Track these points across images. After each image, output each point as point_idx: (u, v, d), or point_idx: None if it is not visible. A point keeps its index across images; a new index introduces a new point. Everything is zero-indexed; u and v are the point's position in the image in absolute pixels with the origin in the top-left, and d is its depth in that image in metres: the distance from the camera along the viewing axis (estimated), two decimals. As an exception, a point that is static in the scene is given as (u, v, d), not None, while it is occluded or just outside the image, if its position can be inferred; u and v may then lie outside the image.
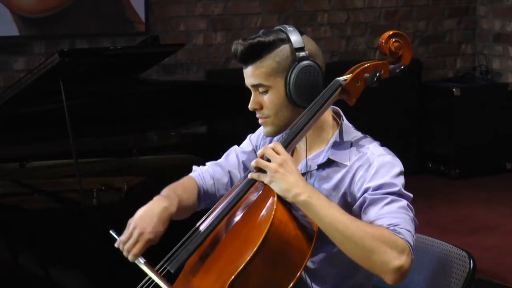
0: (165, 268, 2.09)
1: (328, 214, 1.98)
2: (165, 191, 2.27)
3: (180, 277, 2.13)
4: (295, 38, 2.14)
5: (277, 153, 2.03)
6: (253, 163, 2.05)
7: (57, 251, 3.16)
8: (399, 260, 1.94)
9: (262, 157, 2.05)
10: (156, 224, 2.15)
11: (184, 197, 2.29)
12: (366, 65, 2.15)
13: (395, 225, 1.99)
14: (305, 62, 2.13)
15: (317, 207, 1.99)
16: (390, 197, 2.04)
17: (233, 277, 1.94)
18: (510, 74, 6.67)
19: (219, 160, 2.43)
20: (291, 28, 2.16)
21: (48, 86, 3.31)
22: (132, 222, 2.16)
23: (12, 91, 3.36)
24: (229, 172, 2.39)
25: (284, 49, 2.14)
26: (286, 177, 2.00)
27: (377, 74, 2.13)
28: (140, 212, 2.18)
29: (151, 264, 2.11)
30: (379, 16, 6.53)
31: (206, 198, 2.38)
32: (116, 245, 2.17)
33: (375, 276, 2.28)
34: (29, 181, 3.57)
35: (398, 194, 2.06)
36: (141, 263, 2.11)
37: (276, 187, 2.02)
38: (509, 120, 6.45)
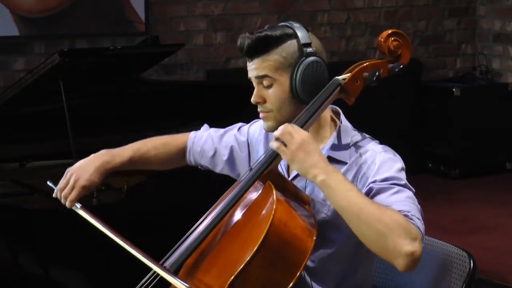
0: (164, 267, 2.09)
1: (345, 196, 1.97)
2: (124, 147, 2.46)
3: (179, 277, 2.12)
4: (302, 34, 2.14)
5: (296, 132, 2.02)
6: (276, 133, 2.02)
7: (57, 251, 3.16)
8: (412, 245, 1.92)
9: (281, 136, 2.02)
10: (93, 174, 2.33)
11: (152, 153, 2.46)
12: (365, 64, 2.14)
13: (407, 212, 1.98)
14: (312, 58, 2.13)
15: (334, 189, 1.98)
16: (397, 187, 2.04)
17: (233, 277, 1.94)
18: (510, 74, 6.67)
19: (218, 132, 2.48)
20: (298, 25, 2.16)
21: (48, 86, 3.31)
22: (70, 170, 2.34)
23: (12, 91, 3.36)
24: (215, 148, 2.45)
25: (291, 44, 2.14)
26: (306, 156, 1.99)
27: (376, 73, 2.12)
28: (79, 163, 2.36)
29: (88, 210, 2.27)
30: (379, 16, 6.53)
31: (191, 159, 2.50)
32: (54, 194, 2.32)
33: (373, 275, 2.29)
34: (29, 181, 3.57)
35: (404, 186, 2.06)
36: (78, 208, 2.28)
37: (296, 166, 2.01)
38: (509, 120, 6.45)
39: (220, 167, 2.45)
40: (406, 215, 1.97)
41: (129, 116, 3.88)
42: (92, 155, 2.37)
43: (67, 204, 2.29)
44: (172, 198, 3.36)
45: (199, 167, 2.52)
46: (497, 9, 6.75)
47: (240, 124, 2.47)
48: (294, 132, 2.01)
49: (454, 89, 6.32)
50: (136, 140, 4.00)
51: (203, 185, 2.88)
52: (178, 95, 3.98)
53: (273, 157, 2.09)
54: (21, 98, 3.39)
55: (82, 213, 2.26)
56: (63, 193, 2.30)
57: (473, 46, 6.93)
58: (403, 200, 2.01)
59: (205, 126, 2.54)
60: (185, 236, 2.15)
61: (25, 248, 3.21)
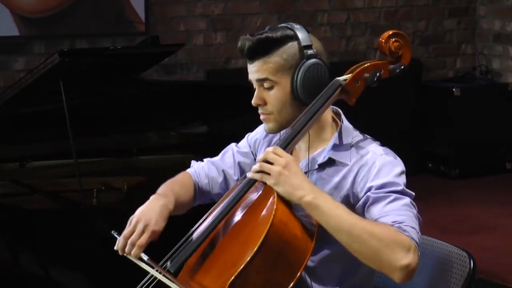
0: (164, 268, 2.09)
1: (334, 215, 1.97)
2: (161, 189, 2.29)
3: (179, 277, 2.12)
4: (303, 35, 2.13)
5: (279, 155, 2.02)
6: (255, 167, 2.04)
7: (57, 251, 3.16)
8: (406, 258, 1.93)
9: (264, 160, 2.03)
10: (159, 218, 2.16)
11: (182, 194, 2.31)
12: (366, 65, 2.14)
13: (400, 223, 1.98)
14: (313, 60, 2.12)
15: (323, 208, 1.98)
16: (394, 195, 2.04)
17: (233, 277, 1.94)
18: (510, 74, 6.67)
19: (215, 158, 2.43)
20: (298, 26, 2.16)
21: (48, 86, 3.31)
22: (134, 217, 2.16)
23: (12, 91, 3.36)
24: (223, 171, 2.40)
25: (292, 46, 2.13)
26: (290, 179, 2.00)
27: (377, 74, 2.12)
28: (141, 209, 2.19)
29: (155, 261, 2.10)
30: (379, 16, 6.53)
31: (201, 196, 2.40)
32: (116, 246, 2.14)
33: (375, 275, 2.28)
34: (29, 181, 3.57)
35: (401, 193, 2.05)
36: (145, 259, 2.09)
37: (280, 190, 2.01)
38: (509, 120, 6.45)
39: None
40: (399, 227, 1.97)
41: (129, 116, 3.88)
42: (148, 202, 2.21)
43: (135, 252, 2.10)
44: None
45: (210, 201, 2.42)
46: (497, 9, 6.75)
47: (233, 143, 2.44)
48: (276, 157, 2.01)
49: (454, 89, 6.32)
50: (136, 139, 4.03)
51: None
52: (178, 95, 3.98)
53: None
54: (21, 98, 3.39)
55: (146, 266, 2.07)
56: (130, 240, 2.11)
57: (473, 46, 6.92)
58: (398, 209, 2.02)
59: (194, 161, 2.47)
60: (185, 237, 2.15)
61: (25, 248, 3.20)
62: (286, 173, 2.00)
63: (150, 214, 2.16)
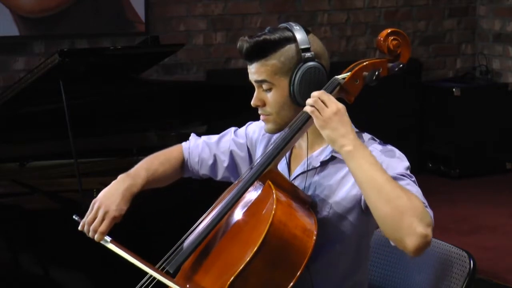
0: (164, 268, 2.09)
1: (368, 169, 1.98)
2: (136, 167, 2.36)
3: (178, 277, 2.12)
4: (301, 37, 2.13)
5: (333, 101, 2.02)
6: (309, 101, 2.03)
7: (57, 251, 3.16)
8: (425, 229, 1.93)
9: (314, 103, 2.03)
10: (120, 202, 2.23)
11: (161, 170, 2.37)
12: (364, 63, 2.13)
13: (422, 202, 1.99)
14: (311, 64, 2.12)
15: (359, 161, 1.98)
16: (409, 180, 2.05)
17: (232, 277, 1.94)
18: (510, 74, 6.67)
19: (212, 140, 2.45)
20: (298, 27, 2.15)
21: (48, 86, 3.31)
22: (96, 202, 2.24)
23: (12, 91, 3.36)
24: (214, 155, 2.42)
25: (290, 49, 2.13)
26: (338, 126, 2.00)
27: (376, 73, 2.10)
28: (103, 192, 2.26)
29: (118, 241, 2.17)
30: (379, 16, 6.53)
31: (189, 171, 2.46)
32: (80, 227, 2.23)
33: (374, 275, 2.29)
34: (29, 181, 3.57)
35: (414, 182, 2.07)
36: (107, 241, 2.18)
37: (325, 134, 2.02)
38: (509, 120, 6.45)
39: (220, 174, 2.43)
40: (423, 203, 1.98)
41: (129, 116, 3.88)
42: (113, 182, 2.28)
43: (97, 237, 2.19)
44: (171, 198, 3.36)
45: (197, 177, 2.48)
46: (497, 9, 6.75)
47: (234, 128, 2.45)
48: (330, 101, 2.02)
49: (454, 89, 6.32)
50: (136, 139, 4.03)
51: (202, 185, 2.88)
52: (178, 95, 3.98)
53: (275, 155, 2.09)
54: (21, 98, 3.39)
55: (112, 246, 2.16)
56: (92, 226, 2.20)
57: (473, 46, 6.93)
58: (416, 192, 2.02)
59: (193, 135, 2.51)
60: (184, 237, 2.15)
61: (25, 248, 3.20)
62: (336, 119, 2.00)
63: (112, 198, 2.23)
